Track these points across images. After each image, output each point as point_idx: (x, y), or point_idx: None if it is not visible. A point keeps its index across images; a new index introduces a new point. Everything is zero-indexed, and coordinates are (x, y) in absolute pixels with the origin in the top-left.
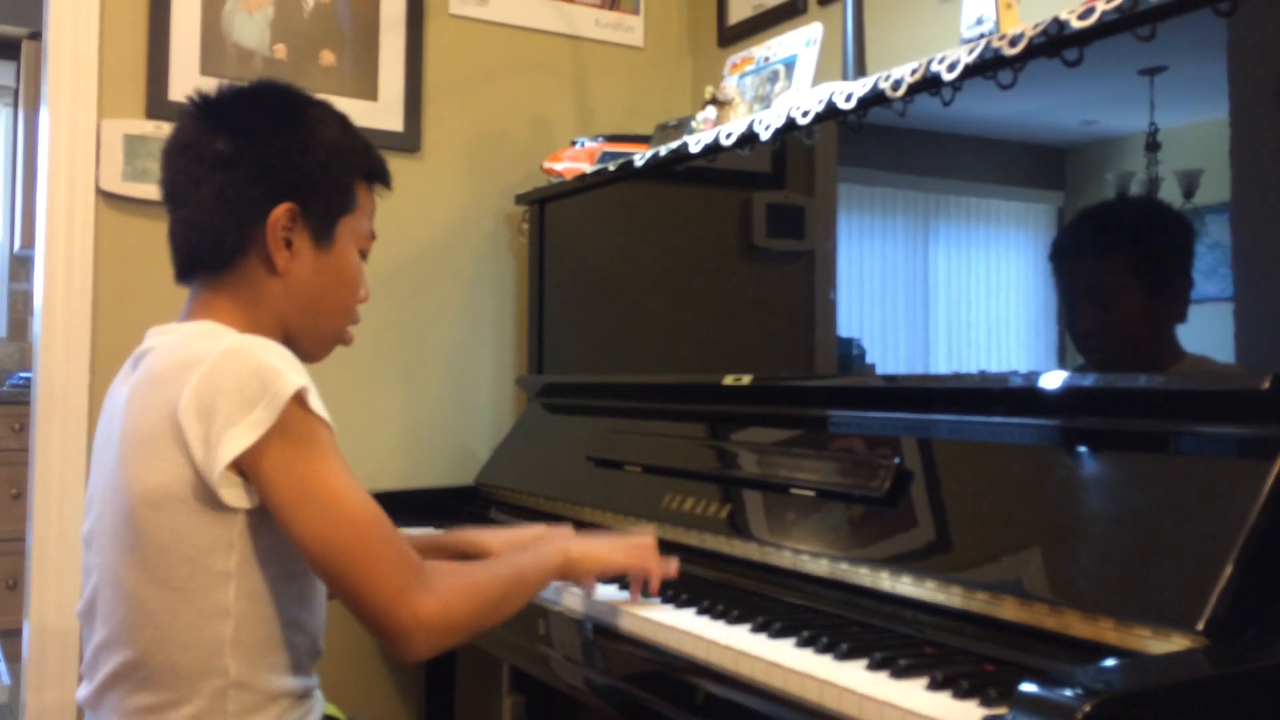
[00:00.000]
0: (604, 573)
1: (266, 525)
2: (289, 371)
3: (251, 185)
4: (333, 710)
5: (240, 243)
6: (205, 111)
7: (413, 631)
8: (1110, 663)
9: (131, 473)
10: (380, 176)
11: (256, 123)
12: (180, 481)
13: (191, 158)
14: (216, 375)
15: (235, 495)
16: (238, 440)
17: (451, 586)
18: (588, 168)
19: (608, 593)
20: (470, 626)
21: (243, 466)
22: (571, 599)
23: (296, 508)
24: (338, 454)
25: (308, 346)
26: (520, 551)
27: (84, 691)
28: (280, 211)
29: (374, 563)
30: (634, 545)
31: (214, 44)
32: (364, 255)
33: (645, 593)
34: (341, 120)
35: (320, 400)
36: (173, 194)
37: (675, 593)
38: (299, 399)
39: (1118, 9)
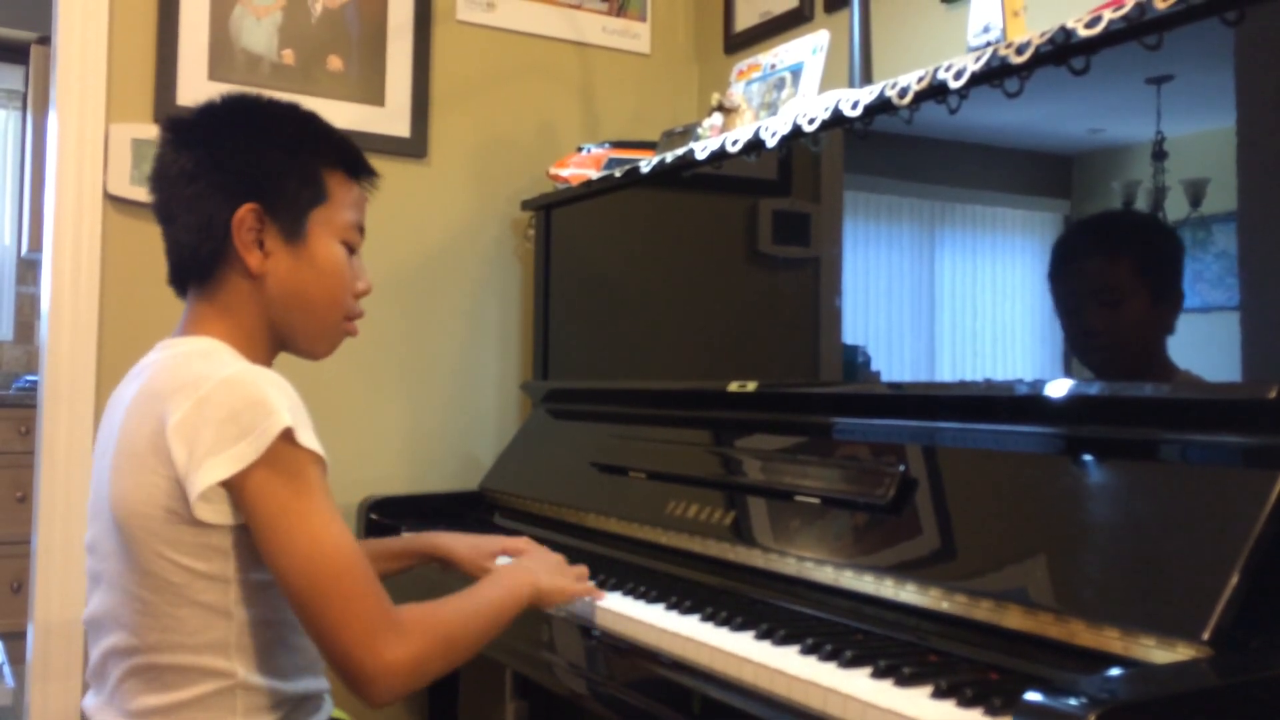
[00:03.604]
0: (568, 599)
1: None
2: (281, 409)
3: (215, 193)
4: (340, 714)
5: (215, 251)
6: (173, 133)
7: (377, 678)
8: (1115, 672)
9: (122, 484)
10: (357, 167)
11: (213, 133)
12: (167, 494)
13: (165, 179)
14: (210, 404)
15: (216, 513)
16: (218, 469)
17: (423, 629)
18: (594, 174)
19: (613, 602)
20: (436, 671)
21: (230, 488)
22: (574, 605)
23: (276, 540)
24: (323, 490)
25: (305, 344)
26: (491, 585)
27: (91, 700)
28: (244, 212)
29: (345, 604)
30: (579, 574)
31: (222, 49)
32: (351, 248)
33: None
34: (303, 115)
35: (312, 434)
36: (160, 215)
37: (679, 599)
38: (287, 435)
39: (1125, 18)
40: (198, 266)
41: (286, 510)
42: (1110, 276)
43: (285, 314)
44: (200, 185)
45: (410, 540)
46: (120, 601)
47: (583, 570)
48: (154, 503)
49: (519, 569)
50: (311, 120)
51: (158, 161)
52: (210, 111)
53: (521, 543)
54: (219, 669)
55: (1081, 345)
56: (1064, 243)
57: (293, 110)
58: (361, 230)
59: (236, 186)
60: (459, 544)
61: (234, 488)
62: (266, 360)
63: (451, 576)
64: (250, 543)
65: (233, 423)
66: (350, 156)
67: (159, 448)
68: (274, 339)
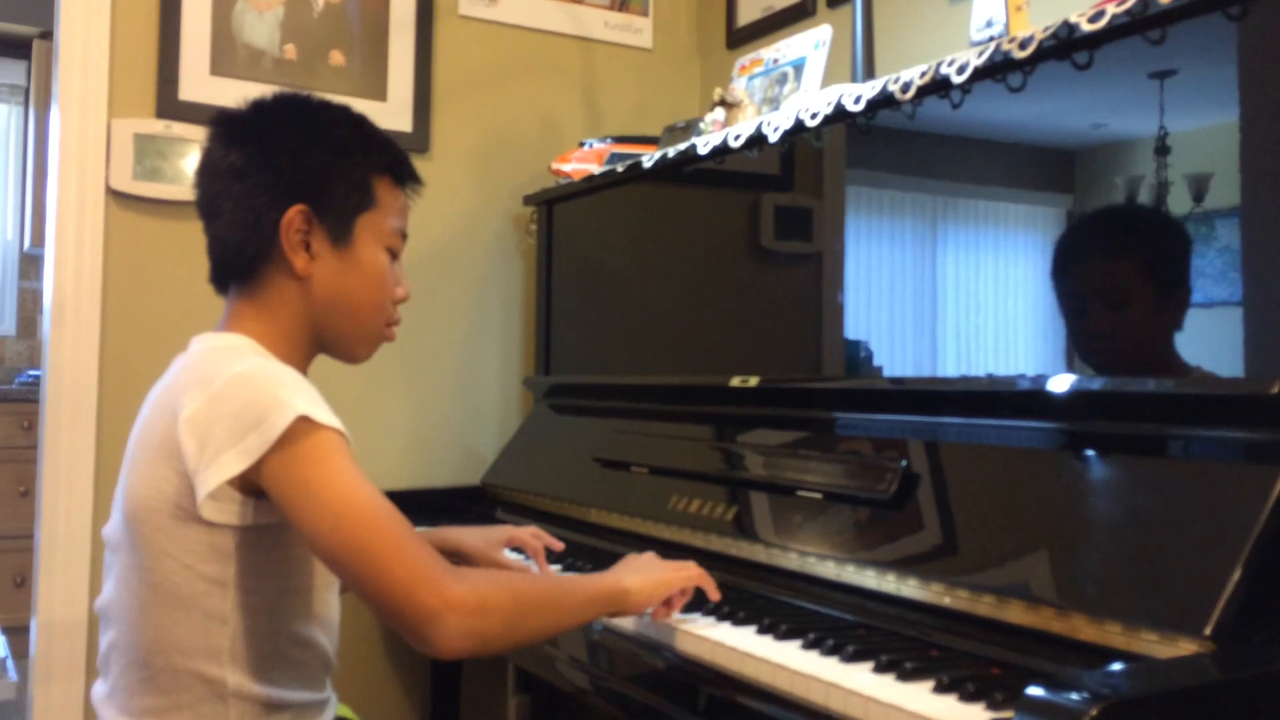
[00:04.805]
0: (658, 599)
1: (267, 540)
2: (293, 399)
3: (264, 192)
4: (345, 711)
5: (261, 250)
6: (223, 127)
7: (440, 612)
8: (1117, 667)
9: (136, 477)
10: (404, 174)
11: (266, 131)
12: (177, 491)
13: (213, 174)
14: (220, 400)
15: (224, 513)
16: (227, 466)
17: (483, 577)
18: (596, 169)
19: None
20: (505, 615)
21: (247, 485)
22: None
23: (305, 510)
24: (346, 457)
25: (345, 348)
26: (569, 575)
27: (99, 689)
28: (293, 213)
29: (388, 547)
30: (683, 566)
31: (224, 44)
32: (394, 254)
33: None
34: (354, 119)
35: (330, 414)
36: (203, 210)
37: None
38: (304, 420)
39: (1128, 12)
40: (242, 264)
41: (310, 480)
42: (1117, 272)
43: (327, 317)
44: (249, 183)
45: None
46: (123, 596)
47: (686, 563)
48: (163, 498)
49: (605, 571)
50: (363, 124)
51: (205, 155)
52: (262, 109)
53: (527, 532)
54: (210, 676)
55: (1087, 344)
56: (1071, 238)
57: (345, 113)
58: (404, 237)
59: (287, 187)
60: (467, 535)
61: (251, 482)
62: (303, 361)
63: None
64: (255, 549)
65: (242, 416)
66: (399, 163)
67: (170, 441)
68: (313, 341)
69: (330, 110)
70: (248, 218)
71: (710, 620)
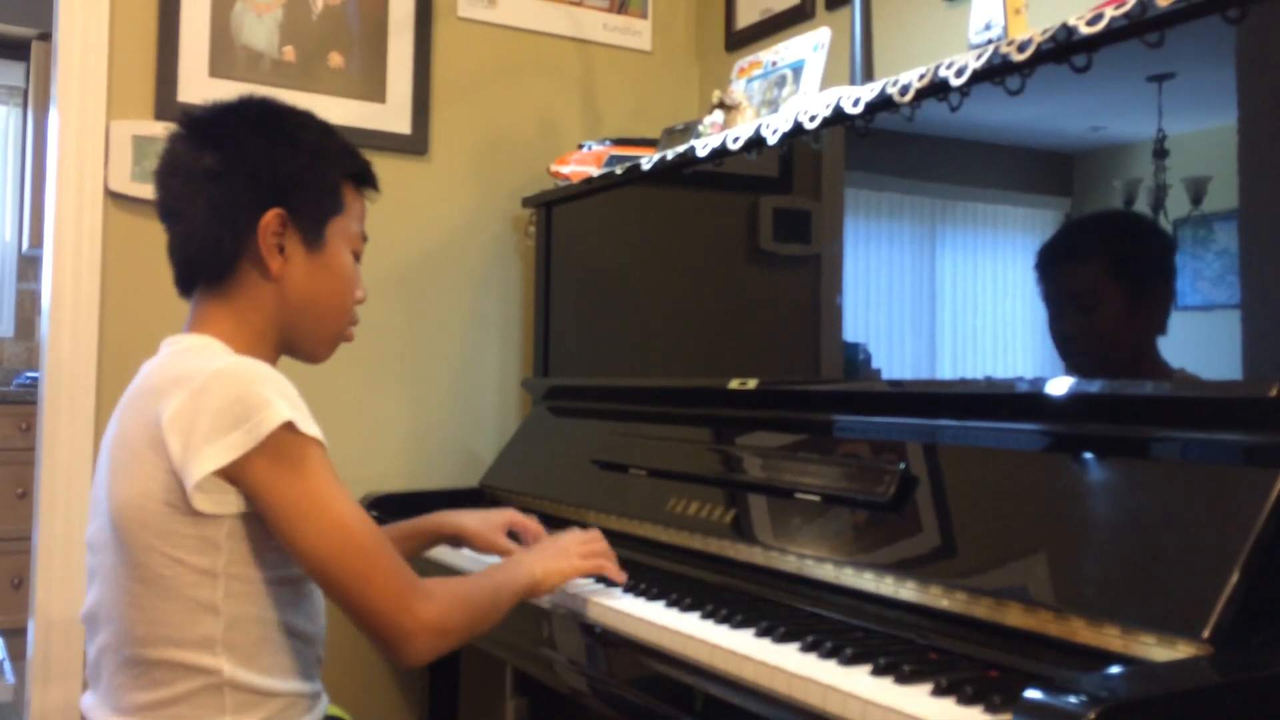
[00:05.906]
0: (559, 585)
1: (254, 529)
2: (278, 401)
3: (241, 194)
4: (338, 712)
5: (235, 250)
6: (191, 130)
7: (415, 634)
8: (1115, 670)
9: (119, 478)
10: (366, 179)
11: (240, 134)
12: (163, 486)
13: (183, 176)
14: (203, 394)
15: (215, 503)
16: (213, 458)
17: (446, 594)
18: (594, 171)
19: (613, 599)
20: (463, 632)
21: (230, 478)
22: (575, 602)
23: (293, 522)
24: (330, 471)
25: (310, 348)
26: (495, 567)
27: (89, 698)
28: (270, 216)
29: (373, 571)
30: (589, 551)
31: (223, 45)
32: (356, 257)
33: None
34: (322, 125)
35: (311, 420)
36: (168, 212)
37: (679, 596)
38: (288, 427)
39: (1126, 15)
40: (215, 265)
41: (302, 496)
42: (1099, 275)
43: (296, 318)
44: (225, 185)
45: (421, 521)
46: (112, 595)
47: (593, 545)
48: (151, 496)
49: (521, 558)
50: (332, 131)
51: (169, 157)
52: (232, 111)
53: (531, 520)
54: (205, 666)
55: (1069, 346)
56: (1050, 246)
57: (313, 119)
58: (365, 239)
59: (265, 189)
60: (469, 519)
61: (235, 478)
62: (270, 361)
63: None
64: (246, 538)
65: (227, 412)
66: (362, 169)
67: (155, 442)
68: (281, 341)
69: (299, 115)
70: (223, 218)
71: (709, 622)
